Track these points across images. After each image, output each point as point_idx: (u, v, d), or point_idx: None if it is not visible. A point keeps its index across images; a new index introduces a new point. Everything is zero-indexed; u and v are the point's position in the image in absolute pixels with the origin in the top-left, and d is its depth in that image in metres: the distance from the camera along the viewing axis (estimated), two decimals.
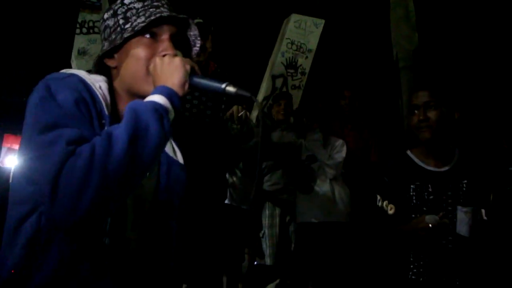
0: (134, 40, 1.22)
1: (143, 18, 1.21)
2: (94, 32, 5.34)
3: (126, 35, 1.21)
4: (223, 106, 3.10)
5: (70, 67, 5.34)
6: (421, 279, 1.97)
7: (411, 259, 2.00)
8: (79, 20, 5.21)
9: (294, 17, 6.06)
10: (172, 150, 1.39)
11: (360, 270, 3.88)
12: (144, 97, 1.16)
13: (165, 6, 1.27)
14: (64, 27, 4.80)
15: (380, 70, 6.55)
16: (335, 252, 3.80)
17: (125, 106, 1.09)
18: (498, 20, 6.23)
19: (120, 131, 1.01)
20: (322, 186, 3.97)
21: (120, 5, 1.27)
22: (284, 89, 5.95)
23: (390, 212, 2.04)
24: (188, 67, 1.19)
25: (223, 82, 1.20)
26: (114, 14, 1.27)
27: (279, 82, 6.00)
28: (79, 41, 5.27)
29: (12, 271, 1.06)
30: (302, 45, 6.08)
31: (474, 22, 6.33)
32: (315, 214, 3.93)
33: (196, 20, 3.06)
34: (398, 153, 2.18)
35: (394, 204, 2.04)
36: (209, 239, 3.02)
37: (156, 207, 1.26)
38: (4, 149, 6.15)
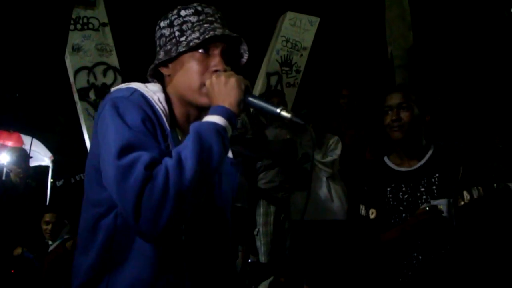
0: (188, 54, 1.31)
1: (197, 34, 1.29)
2: (88, 28, 5.31)
3: (181, 49, 1.29)
4: None
5: (64, 63, 5.31)
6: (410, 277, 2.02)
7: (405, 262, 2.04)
8: (74, 16, 5.17)
9: (290, 15, 6.06)
10: None
11: (356, 268, 3.89)
12: (196, 105, 1.33)
13: (218, 21, 1.35)
14: (58, 23, 4.77)
15: (375, 68, 6.55)
16: (331, 250, 3.80)
17: (189, 127, 1.20)
18: (492, 18, 6.26)
19: (188, 154, 1.13)
20: (319, 185, 3.96)
21: (176, 16, 1.34)
22: (279, 87, 5.95)
23: (372, 216, 2.12)
24: (243, 86, 1.28)
25: (277, 106, 1.30)
26: (171, 25, 1.34)
27: (273, 79, 6.01)
28: (74, 37, 5.23)
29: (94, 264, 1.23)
30: (297, 43, 6.08)
31: (469, 21, 6.35)
32: (311, 212, 3.92)
33: None
34: (374, 161, 2.27)
35: (375, 209, 2.12)
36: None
37: (211, 201, 1.37)
38: None
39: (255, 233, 4.15)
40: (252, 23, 6.54)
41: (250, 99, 1.30)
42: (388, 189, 2.11)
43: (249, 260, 4.32)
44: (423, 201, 2.04)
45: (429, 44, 6.47)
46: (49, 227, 4.17)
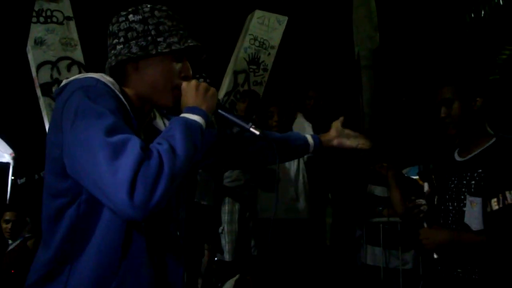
0: (163, 56, 1.37)
1: (176, 39, 1.37)
2: (52, 22, 5.19)
3: (162, 49, 1.35)
4: None
5: (26, 56, 5.17)
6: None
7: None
8: (36, 9, 5.04)
9: (258, 13, 6.06)
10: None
11: (319, 267, 3.93)
12: (157, 104, 1.41)
13: (186, 30, 1.43)
14: (20, 15, 4.64)
15: (342, 68, 6.63)
16: (297, 249, 3.82)
17: (176, 120, 1.28)
18: (454, 22, 6.42)
19: (178, 143, 1.21)
20: (285, 184, 3.97)
21: (149, 14, 1.39)
22: (246, 85, 5.96)
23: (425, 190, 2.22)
24: (218, 98, 1.42)
25: (247, 122, 1.45)
26: (144, 21, 1.38)
27: (241, 78, 6.00)
28: (36, 30, 5.10)
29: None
30: (265, 41, 6.10)
31: (433, 24, 6.50)
32: (277, 211, 3.91)
33: None
34: (445, 150, 2.24)
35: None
36: None
37: None
38: None
39: (220, 231, 4.14)
40: (220, 21, 6.52)
41: (221, 111, 1.44)
42: (446, 176, 2.13)
43: (215, 258, 4.31)
44: (463, 194, 2.02)
45: (394, 45, 6.59)
46: (9, 225, 4.06)
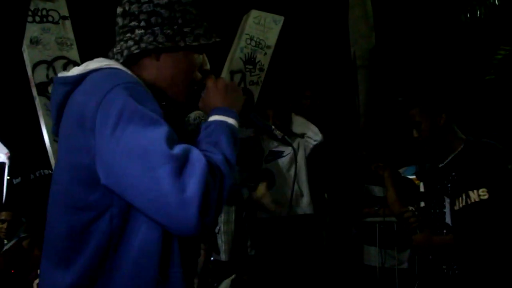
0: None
1: (202, 31, 1.27)
2: (48, 21, 5.17)
3: (191, 43, 1.25)
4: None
5: (21, 56, 5.16)
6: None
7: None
8: (32, 8, 5.03)
9: (254, 13, 6.06)
10: None
11: (316, 266, 3.93)
12: (172, 99, 1.29)
13: (207, 21, 1.34)
14: (15, 14, 4.63)
15: (338, 68, 6.64)
16: (302, 244, 3.81)
17: (218, 124, 1.20)
18: (449, 22, 6.44)
19: (229, 151, 1.14)
20: (289, 180, 3.96)
21: None
22: (242, 85, 5.95)
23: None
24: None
25: (271, 125, 1.44)
26: (170, 7, 1.25)
27: (237, 77, 5.99)
28: (32, 30, 5.08)
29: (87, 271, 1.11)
30: (261, 41, 6.09)
31: (428, 24, 6.51)
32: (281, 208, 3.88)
33: None
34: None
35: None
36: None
37: None
38: None
39: (216, 231, 4.13)
40: (216, 21, 6.51)
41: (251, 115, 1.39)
42: (433, 181, 2.37)
43: (211, 258, 4.30)
44: (443, 197, 2.25)
45: (390, 45, 6.60)
46: (5, 225, 4.06)
